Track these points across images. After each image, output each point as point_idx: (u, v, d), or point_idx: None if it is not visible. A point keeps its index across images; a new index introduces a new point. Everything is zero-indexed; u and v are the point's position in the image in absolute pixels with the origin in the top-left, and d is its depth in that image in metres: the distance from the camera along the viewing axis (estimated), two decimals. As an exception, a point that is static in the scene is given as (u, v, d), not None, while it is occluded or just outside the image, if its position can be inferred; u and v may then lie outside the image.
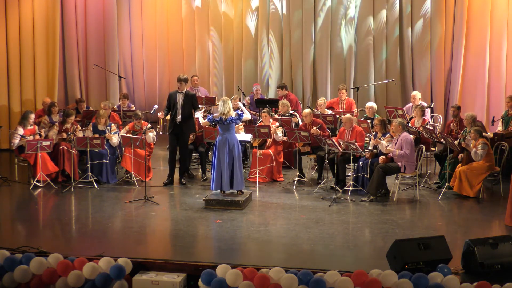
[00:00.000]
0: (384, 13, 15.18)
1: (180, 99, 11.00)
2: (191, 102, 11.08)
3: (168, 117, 11.40)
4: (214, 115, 10.18)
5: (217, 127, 10.43)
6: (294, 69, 15.65)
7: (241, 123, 11.17)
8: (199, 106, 13.06)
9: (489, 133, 12.16)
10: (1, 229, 9.19)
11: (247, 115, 10.42)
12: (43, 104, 13.10)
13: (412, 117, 12.35)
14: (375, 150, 10.71)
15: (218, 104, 13.66)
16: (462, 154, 10.51)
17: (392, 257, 7.35)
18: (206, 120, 10.60)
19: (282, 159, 11.73)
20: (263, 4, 15.59)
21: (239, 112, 10.13)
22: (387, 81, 15.04)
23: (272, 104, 13.31)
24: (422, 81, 15.15)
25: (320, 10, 15.34)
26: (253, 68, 15.91)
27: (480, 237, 7.58)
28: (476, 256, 7.23)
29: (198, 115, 11.98)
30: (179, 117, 10.99)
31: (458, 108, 11.96)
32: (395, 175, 10.49)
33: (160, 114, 11.35)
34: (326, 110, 12.98)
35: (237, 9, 15.76)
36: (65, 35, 15.25)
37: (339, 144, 10.52)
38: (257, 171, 11.32)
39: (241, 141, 10.71)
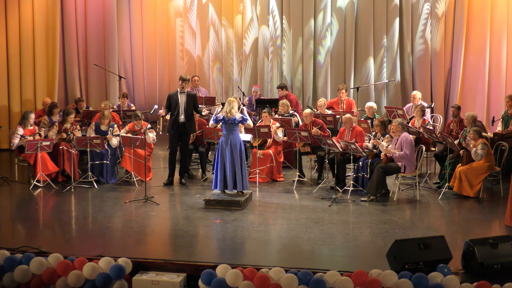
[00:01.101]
0: (384, 13, 15.18)
1: (182, 99, 11.01)
2: (193, 102, 11.10)
3: (167, 117, 11.39)
4: (218, 114, 10.18)
5: (218, 126, 10.41)
6: (294, 69, 15.64)
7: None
8: (199, 106, 13.07)
9: (489, 133, 12.15)
10: (1, 229, 9.18)
11: (249, 123, 10.45)
12: (43, 104, 13.10)
13: (412, 117, 12.34)
14: (375, 150, 10.71)
15: (218, 104, 13.79)
16: (462, 151, 10.51)
17: (392, 257, 7.35)
18: (212, 121, 10.60)
19: (282, 159, 11.73)
20: (264, 2, 15.62)
21: (244, 117, 10.13)
22: (387, 81, 15.04)
23: (272, 104, 13.31)
24: (422, 81, 15.16)
25: (321, 10, 15.36)
26: (253, 67, 15.90)
27: (480, 237, 7.58)
28: (476, 256, 7.23)
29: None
30: (182, 117, 10.99)
31: (458, 108, 11.96)
32: (395, 175, 10.49)
33: (161, 111, 11.31)
34: (326, 110, 12.98)
35: (237, 6, 15.78)
36: (65, 35, 15.25)
37: (339, 144, 10.52)
38: (257, 171, 11.32)
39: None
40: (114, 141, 11.50)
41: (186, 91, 11.07)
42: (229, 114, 9.92)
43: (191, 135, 11.53)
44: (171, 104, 11.04)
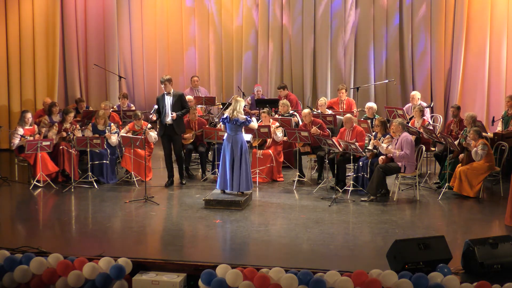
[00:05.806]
0: (384, 13, 15.18)
1: (168, 101, 10.91)
2: (180, 102, 11.00)
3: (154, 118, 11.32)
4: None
5: (219, 125, 10.39)
6: (294, 69, 15.64)
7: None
8: (200, 106, 13.05)
9: (489, 133, 12.16)
10: (1, 229, 9.18)
11: (254, 124, 10.40)
12: (43, 104, 13.11)
13: (412, 117, 12.34)
14: (375, 150, 10.70)
15: (218, 104, 13.78)
16: (462, 154, 10.51)
17: (392, 257, 7.35)
18: (221, 122, 10.56)
19: (282, 159, 11.73)
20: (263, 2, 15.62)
21: (248, 118, 10.10)
22: (387, 81, 15.04)
23: (272, 104, 13.31)
24: (422, 81, 15.16)
25: (321, 10, 15.37)
26: (253, 67, 15.90)
27: (480, 237, 7.58)
28: (476, 256, 7.23)
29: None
30: (169, 119, 10.92)
31: (458, 108, 11.96)
32: (395, 175, 10.49)
33: (151, 116, 11.17)
34: (327, 110, 12.97)
35: (237, 6, 15.78)
36: (65, 35, 15.24)
37: (339, 144, 10.52)
38: (257, 171, 11.32)
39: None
40: (113, 139, 11.50)
41: (171, 92, 10.96)
42: (232, 115, 9.89)
43: (191, 134, 11.47)
44: (159, 106, 10.97)
